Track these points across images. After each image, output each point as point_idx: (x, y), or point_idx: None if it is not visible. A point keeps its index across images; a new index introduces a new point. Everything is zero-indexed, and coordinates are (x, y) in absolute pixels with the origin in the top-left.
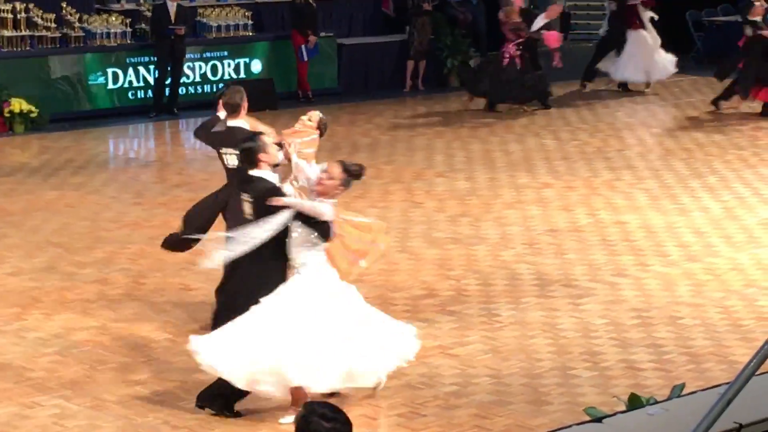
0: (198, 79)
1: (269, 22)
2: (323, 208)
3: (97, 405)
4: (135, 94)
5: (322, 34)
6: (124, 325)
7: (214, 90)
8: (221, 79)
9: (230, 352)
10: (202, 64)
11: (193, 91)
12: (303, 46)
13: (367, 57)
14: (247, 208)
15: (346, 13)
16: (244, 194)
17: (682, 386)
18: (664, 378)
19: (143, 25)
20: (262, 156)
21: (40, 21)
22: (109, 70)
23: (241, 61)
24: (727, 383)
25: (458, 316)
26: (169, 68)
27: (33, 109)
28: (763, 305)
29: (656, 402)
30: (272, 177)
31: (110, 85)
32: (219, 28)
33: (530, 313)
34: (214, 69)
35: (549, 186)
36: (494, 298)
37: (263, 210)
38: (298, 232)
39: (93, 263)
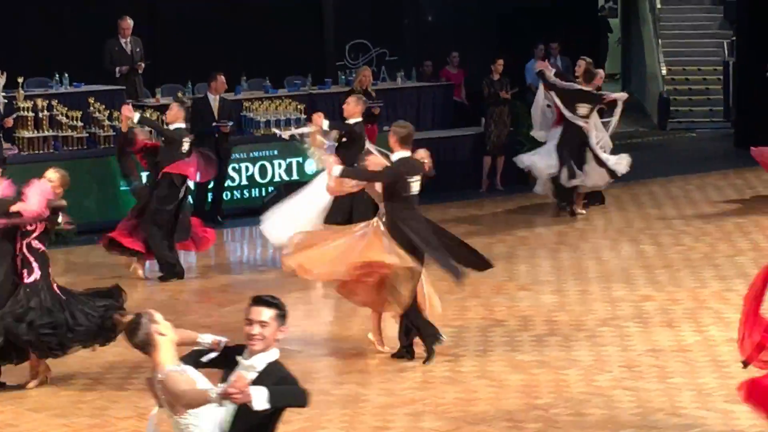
0: (245, 182)
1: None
2: None
3: None
4: None
5: (385, 128)
6: None
7: (263, 194)
8: (271, 182)
9: None
10: (249, 165)
11: (239, 196)
12: None
13: (437, 153)
14: None
15: (412, 104)
16: None
17: None
18: None
19: None
20: None
21: (64, 119)
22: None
23: (294, 160)
24: None
25: None
26: None
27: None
28: None
29: None
30: None
31: None
32: (268, 123)
33: None
34: (263, 170)
35: (649, 299)
36: (588, 430)
37: None
38: None
39: (128, 396)
